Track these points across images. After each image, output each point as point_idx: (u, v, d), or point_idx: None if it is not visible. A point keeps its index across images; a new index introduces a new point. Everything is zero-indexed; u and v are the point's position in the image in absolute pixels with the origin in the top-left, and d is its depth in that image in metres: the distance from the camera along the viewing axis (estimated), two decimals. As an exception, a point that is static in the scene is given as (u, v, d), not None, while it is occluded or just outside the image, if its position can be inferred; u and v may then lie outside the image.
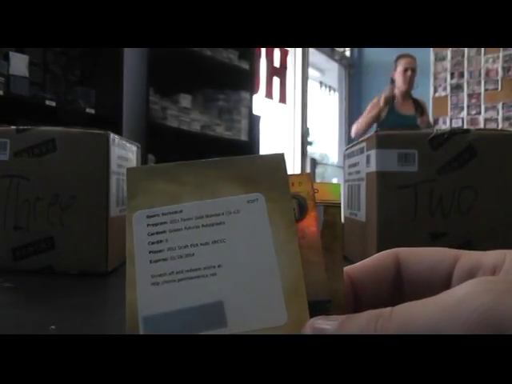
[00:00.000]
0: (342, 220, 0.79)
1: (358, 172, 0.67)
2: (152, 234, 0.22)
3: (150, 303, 0.21)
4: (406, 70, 2.62)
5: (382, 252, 0.24)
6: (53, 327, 0.35)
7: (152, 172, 0.23)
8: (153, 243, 0.22)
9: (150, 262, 0.21)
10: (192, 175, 0.23)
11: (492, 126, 3.84)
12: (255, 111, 3.11)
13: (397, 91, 2.67)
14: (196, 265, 0.21)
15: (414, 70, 2.64)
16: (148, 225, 0.22)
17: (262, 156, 0.23)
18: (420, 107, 2.70)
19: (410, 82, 2.64)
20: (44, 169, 0.58)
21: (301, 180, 0.23)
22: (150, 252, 0.22)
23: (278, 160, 0.23)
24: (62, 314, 0.41)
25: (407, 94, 2.68)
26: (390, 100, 2.64)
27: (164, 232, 0.22)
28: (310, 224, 0.23)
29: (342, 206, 0.23)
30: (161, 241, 0.22)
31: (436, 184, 0.58)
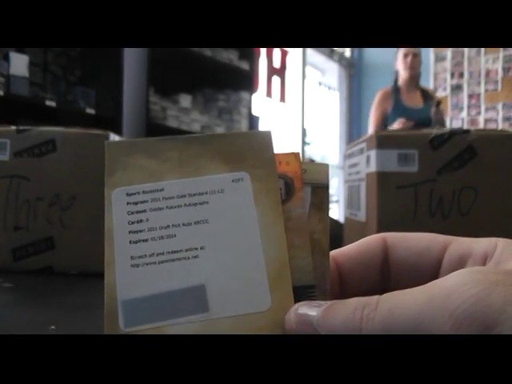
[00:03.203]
0: (342, 220, 0.79)
1: (358, 172, 0.67)
2: (132, 213, 0.21)
3: (129, 286, 0.20)
4: (406, 56, 2.38)
5: (370, 236, 0.23)
6: (53, 327, 0.35)
7: (132, 147, 0.22)
8: (133, 223, 0.21)
9: (130, 242, 0.20)
10: (174, 151, 0.22)
11: (492, 126, 3.83)
12: (255, 112, 3.11)
13: (401, 82, 2.40)
14: (178, 246, 0.20)
15: (415, 56, 2.35)
16: (128, 203, 0.21)
17: (249, 133, 0.22)
18: (429, 97, 2.43)
19: (411, 67, 2.36)
20: (44, 169, 0.58)
21: (288, 159, 0.22)
22: (129, 232, 0.21)
23: (265, 137, 0.22)
24: (61, 313, 0.41)
25: (412, 83, 2.39)
26: (394, 92, 2.39)
27: (144, 211, 0.21)
28: (297, 205, 0.21)
29: (329, 187, 0.22)
30: (141, 220, 0.21)
31: (436, 184, 0.58)
